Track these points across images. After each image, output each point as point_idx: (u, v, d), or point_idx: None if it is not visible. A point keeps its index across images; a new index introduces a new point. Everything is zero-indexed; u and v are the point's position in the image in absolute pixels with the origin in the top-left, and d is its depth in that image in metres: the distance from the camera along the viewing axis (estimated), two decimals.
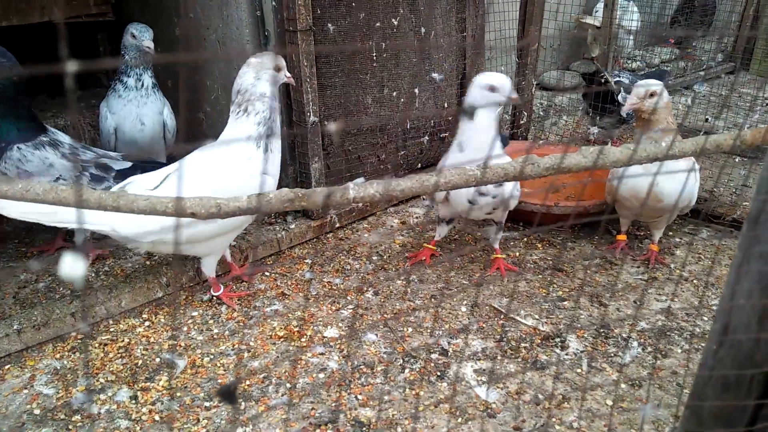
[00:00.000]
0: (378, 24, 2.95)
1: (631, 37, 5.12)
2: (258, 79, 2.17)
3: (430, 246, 2.67)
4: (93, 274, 2.55)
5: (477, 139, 2.25)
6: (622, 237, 2.75)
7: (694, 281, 2.56)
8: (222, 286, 2.39)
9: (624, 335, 2.20)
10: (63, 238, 2.66)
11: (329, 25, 2.75)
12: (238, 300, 2.39)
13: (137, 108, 2.76)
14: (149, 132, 2.83)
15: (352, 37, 2.86)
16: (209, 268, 2.34)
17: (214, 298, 2.39)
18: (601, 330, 2.24)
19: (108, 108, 2.79)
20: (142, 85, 2.77)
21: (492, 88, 2.21)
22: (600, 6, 4.65)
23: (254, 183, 2.14)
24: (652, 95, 2.36)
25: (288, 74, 2.30)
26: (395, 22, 3.02)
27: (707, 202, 3.11)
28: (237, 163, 2.17)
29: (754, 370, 0.79)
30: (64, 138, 2.44)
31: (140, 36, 2.68)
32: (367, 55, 2.96)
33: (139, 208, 1.18)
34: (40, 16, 3.30)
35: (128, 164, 2.45)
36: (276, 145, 2.27)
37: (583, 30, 5.10)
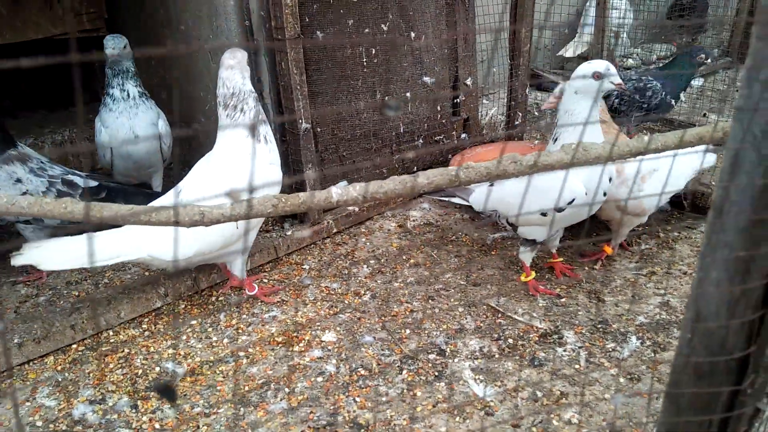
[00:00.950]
0: (367, 30, 2.97)
1: (625, 35, 5.13)
2: (244, 78, 2.25)
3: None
4: (93, 287, 2.57)
5: (576, 131, 2.14)
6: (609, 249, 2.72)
7: (694, 275, 2.56)
8: (256, 286, 2.46)
9: (622, 330, 2.21)
10: None
11: (318, 32, 2.78)
12: (237, 308, 2.42)
13: (129, 120, 2.77)
14: (144, 144, 2.85)
15: (342, 44, 2.89)
16: (239, 271, 2.41)
17: (219, 298, 2.41)
18: (599, 325, 2.24)
19: (101, 122, 2.81)
20: (128, 95, 2.77)
21: (598, 75, 2.11)
22: (592, 6, 4.67)
23: (266, 174, 2.27)
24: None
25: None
26: (385, 28, 3.04)
27: (705, 195, 3.11)
28: (245, 162, 2.25)
29: (726, 357, 0.81)
30: (33, 153, 2.49)
31: (105, 44, 2.70)
32: (358, 61, 2.98)
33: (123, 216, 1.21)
34: (34, 33, 3.34)
35: (94, 183, 2.51)
36: (270, 134, 2.36)
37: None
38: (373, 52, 3.03)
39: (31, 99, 3.99)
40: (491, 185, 2.42)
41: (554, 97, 2.38)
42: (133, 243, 2.14)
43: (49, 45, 3.52)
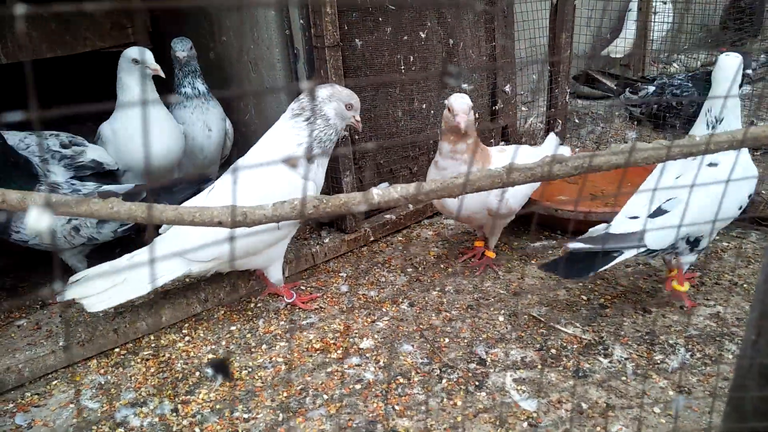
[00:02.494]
0: (406, 37, 2.97)
1: (661, 39, 5.02)
2: (329, 100, 2.23)
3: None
4: None
5: (731, 111, 2.23)
6: (481, 243, 2.70)
7: (744, 285, 2.45)
8: (294, 293, 2.47)
9: (671, 342, 2.12)
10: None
11: (357, 40, 2.79)
12: (275, 314, 2.41)
13: (203, 114, 2.99)
14: (216, 138, 3.06)
15: (380, 52, 2.89)
16: (276, 277, 2.42)
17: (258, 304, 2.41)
18: (646, 337, 2.16)
19: (176, 119, 2.97)
20: (199, 92, 2.99)
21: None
22: (634, 5, 4.58)
23: (290, 189, 2.19)
24: (472, 109, 2.29)
25: (358, 118, 2.33)
26: (423, 35, 3.04)
27: (754, 204, 2.98)
28: (281, 171, 2.24)
29: None
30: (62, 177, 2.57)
31: (174, 47, 2.95)
32: (396, 68, 2.98)
33: (168, 218, 1.21)
34: (83, 47, 3.44)
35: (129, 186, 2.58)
36: (322, 162, 2.36)
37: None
38: (411, 59, 3.02)
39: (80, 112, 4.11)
40: (662, 209, 2.15)
41: (464, 113, 2.27)
42: (173, 256, 2.13)
43: (98, 58, 3.63)
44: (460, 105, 2.26)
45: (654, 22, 4.58)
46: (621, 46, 4.90)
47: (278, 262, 2.40)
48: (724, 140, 1.24)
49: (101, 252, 2.56)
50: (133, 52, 2.71)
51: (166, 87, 2.97)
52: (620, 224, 2.15)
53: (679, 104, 3.43)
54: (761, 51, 5.83)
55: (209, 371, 1.98)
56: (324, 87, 2.26)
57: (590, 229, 2.26)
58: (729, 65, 2.26)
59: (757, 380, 0.80)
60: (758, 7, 5.52)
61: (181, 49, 2.93)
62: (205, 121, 3.01)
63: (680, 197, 2.11)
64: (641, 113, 3.64)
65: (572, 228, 2.80)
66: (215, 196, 2.23)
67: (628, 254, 2.09)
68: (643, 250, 2.09)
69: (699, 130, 2.27)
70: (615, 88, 3.80)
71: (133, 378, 2.09)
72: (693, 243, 2.18)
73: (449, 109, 2.30)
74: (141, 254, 2.18)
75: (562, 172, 1.22)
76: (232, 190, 2.20)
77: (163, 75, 2.66)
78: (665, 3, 5.09)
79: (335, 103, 2.24)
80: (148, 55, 2.67)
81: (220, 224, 1.22)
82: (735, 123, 2.21)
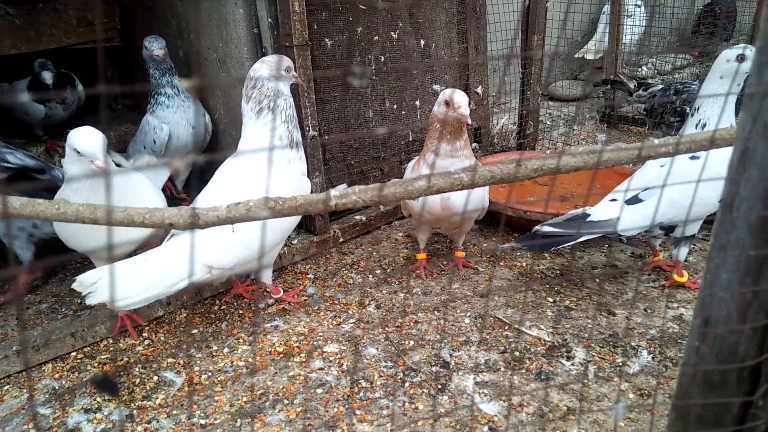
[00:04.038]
0: (377, 38, 2.95)
1: (633, 43, 5.07)
2: (275, 77, 2.17)
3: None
4: None
5: (724, 113, 2.22)
6: (422, 255, 2.66)
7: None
8: (281, 290, 2.47)
9: (633, 344, 2.13)
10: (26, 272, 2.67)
11: (326, 40, 2.76)
12: (239, 317, 2.37)
13: (185, 113, 3.01)
14: (198, 133, 3.10)
15: (351, 52, 2.87)
16: (268, 277, 2.40)
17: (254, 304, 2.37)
18: (610, 339, 2.16)
19: (160, 119, 2.97)
20: (179, 90, 3.00)
21: (741, 57, 2.17)
22: (608, 8, 4.62)
23: (300, 186, 2.26)
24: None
25: (296, 74, 2.31)
26: (395, 36, 3.02)
27: None
28: (281, 169, 2.24)
29: (737, 365, 0.74)
30: None
31: (150, 46, 2.91)
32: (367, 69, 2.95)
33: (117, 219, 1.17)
34: (48, 43, 3.36)
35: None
36: (301, 144, 2.35)
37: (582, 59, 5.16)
38: (383, 59, 3.00)
39: None
40: (638, 197, 2.25)
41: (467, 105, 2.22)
42: (193, 258, 2.05)
43: (64, 55, 3.55)
44: (462, 97, 2.15)
45: (626, 25, 4.62)
46: (594, 48, 4.94)
47: (271, 265, 2.42)
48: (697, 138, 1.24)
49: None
50: (75, 138, 1.97)
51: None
52: (599, 211, 2.26)
53: (678, 100, 3.51)
54: None
55: (97, 388, 1.89)
56: (259, 67, 2.18)
57: (568, 212, 2.35)
58: (721, 60, 2.23)
59: (701, 387, 0.79)
60: (733, 12, 5.60)
61: (158, 47, 2.90)
62: (188, 119, 3.02)
63: (656, 186, 2.24)
64: (645, 110, 3.76)
65: None
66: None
67: (594, 236, 2.24)
68: (615, 234, 2.25)
69: (688, 129, 2.29)
70: (633, 88, 3.99)
71: (87, 384, 2.03)
72: (667, 229, 2.29)
73: (448, 104, 2.18)
74: (156, 255, 2.04)
75: (524, 174, 1.21)
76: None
77: (107, 171, 2.00)
78: (639, 6, 5.14)
79: (277, 74, 2.18)
80: (94, 147, 1.98)
81: (171, 226, 1.18)
82: (724, 123, 2.17)
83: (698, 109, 2.27)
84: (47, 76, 3.15)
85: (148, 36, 2.91)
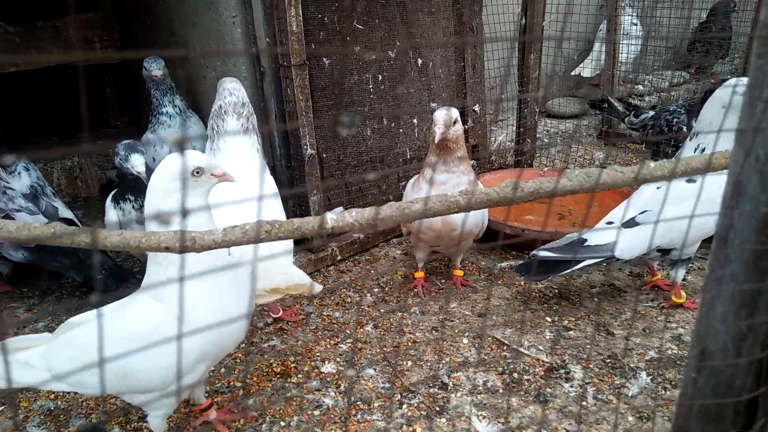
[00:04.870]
0: (374, 57, 2.97)
1: (630, 61, 5.10)
2: (242, 94, 2.30)
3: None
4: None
5: (723, 140, 2.16)
6: (420, 274, 2.65)
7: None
8: (280, 309, 2.45)
9: (632, 365, 2.12)
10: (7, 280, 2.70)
11: (324, 59, 2.78)
12: None
13: (186, 132, 3.02)
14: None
15: (348, 71, 2.88)
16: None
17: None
18: (608, 360, 2.15)
19: (160, 139, 2.97)
20: (180, 109, 3.00)
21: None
22: (604, 26, 4.66)
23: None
24: (455, 123, 2.25)
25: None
26: (392, 54, 3.04)
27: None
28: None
29: (734, 399, 0.74)
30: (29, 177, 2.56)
31: (149, 67, 2.93)
32: (364, 87, 2.97)
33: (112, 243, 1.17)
34: (47, 61, 3.38)
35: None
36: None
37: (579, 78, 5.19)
38: (380, 78, 3.02)
39: (44, 125, 4.04)
40: (635, 220, 2.27)
41: (445, 125, 2.22)
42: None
43: (64, 72, 3.57)
44: (439, 116, 2.22)
45: (622, 43, 4.65)
46: (590, 67, 4.97)
47: None
48: (694, 164, 1.24)
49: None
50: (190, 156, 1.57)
51: (146, 108, 2.94)
52: (596, 236, 2.26)
53: (670, 131, 3.50)
54: (728, 72, 5.97)
55: None
56: (232, 90, 2.28)
57: (566, 235, 2.35)
58: (720, 94, 2.22)
59: (698, 419, 0.78)
60: (728, 30, 5.64)
61: (157, 67, 2.92)
62: (190, 139, 3.00)
63: (655, 210, 2.25)
64: (639, 136, 3.76)
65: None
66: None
67: (593, 261, 2.24)
68: (613, 259, 2.24)
69: (687, 153, 2.30)
70: (623, 111, 3.92)
71: (84, 404, 2.02)
72: (664, 251, 2.29)
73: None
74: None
75: (520, 197, 1.21)
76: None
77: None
78: (635, 24, 5.19)
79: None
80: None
81: (167, 249, 1.18)
82: (722, 149, 2.20)
83: (697, 134, 2.28)
84: None
85: (147, 57, 2.93)
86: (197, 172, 1.53)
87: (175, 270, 1.54)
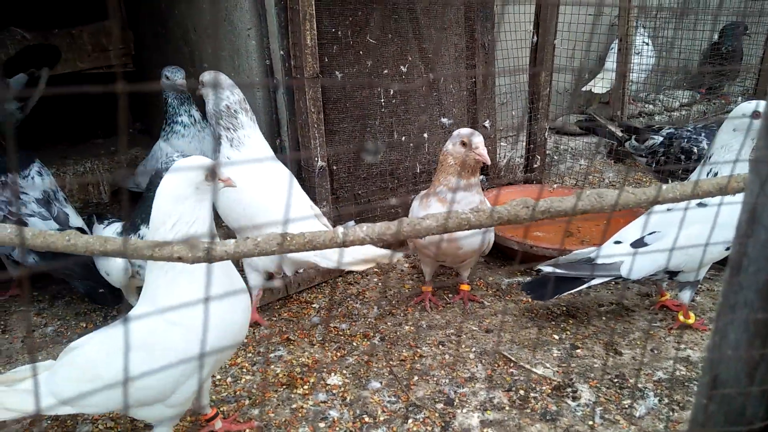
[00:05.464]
0: (386, 71, 2.99)
1: (641, 80, 5.11)
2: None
3: None
4: (101, 319, 2.56)
5: (733, 165, 2.20)
6: (428, 288, 2.66)
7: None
8: (266, 321, 2.49)
9: (640, 386, 2.11)
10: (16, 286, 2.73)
11: (336, 72, 2.80)
12: (243, 346, 2.37)
13: (200, 143, 3.01)
14: None
15: (360, 84, 2.91)
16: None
17: None
18: (615, 379, 2.14)
19: (174, 147, 2.97)
20: (195, 119, 3.00)
21: (757, 114, 2.18)
22: (616, 44, 4.67)
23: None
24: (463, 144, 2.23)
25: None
26: (404, 69, 3.06)
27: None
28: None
29: (746, 427, 0.74)
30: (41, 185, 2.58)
31: (173, 76, 2.93)
32: (376, 101, 2.99)
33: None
34: (62, 68, 3.43)
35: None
36: None
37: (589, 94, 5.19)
38: (392, 92, 3.04)
39: (56, 131, 4.08)
40: (644, 241, 2.27)
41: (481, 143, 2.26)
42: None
43: (79, 79, 3.61)
44: (479, 138, 2.21)
45: (633, 64, 4.66)
46: (601, 84, 4.99)
47: None
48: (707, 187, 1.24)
49: None
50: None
51: (158, 115, 2.96)
52: (604, 255, 2.28)
53: (689, 160, 3.16)
54: (739, 93, 5.97)
55: None
56: (232, 90, 2.35)
57: (573, 252, 2.37)
58: (737, 113, 2.23)
59: None
60: (738, 52, 5.64)
61: (181, 77, 2.92)
62: (203, 150, 3.00)
63: (664, 231, 2.25)
64: (648, 164, 3.41)
65: None
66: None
67: (600, 280, 2.27)
68: (620, 278, 2.26)
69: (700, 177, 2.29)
70: (621, 135, 3.57)
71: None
72: (671, 273, 2.29)
73: (465, 144, 2.23)
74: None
75: (532, 216, 1.21)
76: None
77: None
78: (647, 44, 5.20)
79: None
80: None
81: (180, 259, 1.19)
82: (727, 171, 2.19)
83: (710, 157, 2.28)
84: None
85: (167, 66, 2.94)
86: (210, 177, 1.54)
87: (175, 274, 1.55)
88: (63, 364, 1.63)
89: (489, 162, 2.25)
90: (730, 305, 0.74)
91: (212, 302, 1.54)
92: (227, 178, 1.66)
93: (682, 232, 2.17)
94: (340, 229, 1.20)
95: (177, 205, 1.53)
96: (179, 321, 1.52)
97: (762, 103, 2.19)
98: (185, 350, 1.51)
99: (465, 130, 2.28)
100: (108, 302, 2.55)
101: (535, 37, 3.49)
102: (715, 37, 5.61)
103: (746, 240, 0.70)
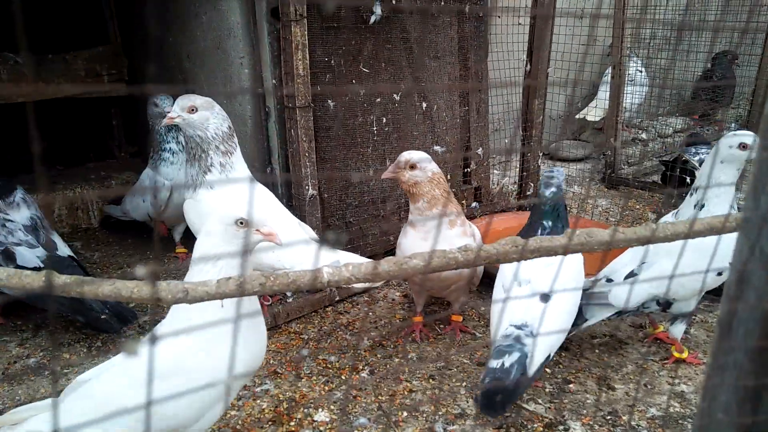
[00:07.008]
0: (379, 99, 2.99)
1: (634, 107, 5.14)
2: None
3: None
4: (85, 349, 2.51)
5: (722, 198, 2.22)
6: (418, 318, 2.62)
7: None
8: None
9: (633, 423, 2.06)
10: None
11: (329, 101, 2.79)
12: None
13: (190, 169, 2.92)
14: None
15: (353, 113, 2.90)
16: None
17: None
18: (609, 417, 2.10)
19: (163, 176, 2.95)
20: (182, 146, 2.95)
21: (744, 146, 2.19)
22: (608, 72, 4.70)
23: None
24: (412, 167, 2.26)
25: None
26: (397, 98, 3.06)
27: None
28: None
29: None
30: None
31: (162, 104, 2.92)
32: (368, 129, 2.99)
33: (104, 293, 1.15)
34: (54, 93, 3.42)
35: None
36: None
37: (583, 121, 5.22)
38: (384, 120, 3.04)
39: (48, 154, 4.06)
40: (633, 271, 2.28)
41: (396, 167, 2.31)
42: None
43: (68, 104, 3.60)
44: (400, 156, 2.31)
45: (627, 93, 4.69)
46: (594, 111, 5.01)
47: None
48: (680, 229, 1.23)
49: None
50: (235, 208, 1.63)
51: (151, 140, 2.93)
52: (596, 286, 2.29)
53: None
54: (732, 119, 6.01)
55: None
56: (204, 108, 2.30)
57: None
58: (723, 145, 2.21)
59: None
60: (730, 79, 5.68)
61: (170, 104, 2.89)
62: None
63: (652, 261, 2.26)
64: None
65: None
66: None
67: (599, 318, 2.27)
68: (614, 313, 2.26)
69: (686, 209, 2.29)
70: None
71: None
72: (664, 305, 2.27)
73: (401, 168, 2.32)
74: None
75: (521, 256, 1.19)
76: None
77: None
78: (641, 71, 5.24)
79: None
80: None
81: (159, 301, 1.16)
82: (721, 209, 2.18)
83: (697, 189, 2.28)
84: None
85: (157, 94, 2.94)
86: (241, 223, 1.56)
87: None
88: (78, 397, 1.58)
89: (381, 176, 2.34)
90: (719, 366, 0.71)
91: (240, 325, 1.57)
92: (269, 231, 1.62)
93: (671, 261, 2.15)
94: (325, 268, 1.17)
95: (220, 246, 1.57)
96: (206, 346, 1.52)
97: (747, 134, 2.18)
98: (213, 375, 1.53)
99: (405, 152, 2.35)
100: (113, 328, 2.50)
101: (528, 65, 3.50)
102: (708, 65, 5.66)
103: (736, 302, 0.67)
